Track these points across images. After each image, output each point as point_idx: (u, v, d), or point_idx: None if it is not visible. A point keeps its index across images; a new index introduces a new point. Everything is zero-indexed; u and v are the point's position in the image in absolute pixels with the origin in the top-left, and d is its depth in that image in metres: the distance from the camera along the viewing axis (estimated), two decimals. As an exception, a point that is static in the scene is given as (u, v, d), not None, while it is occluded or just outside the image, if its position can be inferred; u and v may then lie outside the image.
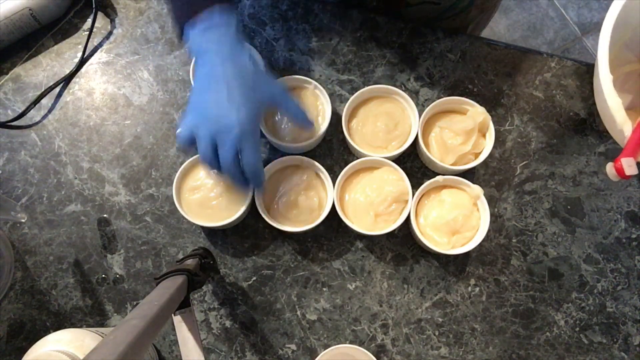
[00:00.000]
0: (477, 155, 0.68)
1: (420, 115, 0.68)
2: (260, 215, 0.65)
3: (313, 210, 0.66)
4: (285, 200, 0.66)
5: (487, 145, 0.68)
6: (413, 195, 0.66)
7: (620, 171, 0.54)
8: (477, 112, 0.68)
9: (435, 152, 0.68)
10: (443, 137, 0.68)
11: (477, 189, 0.65)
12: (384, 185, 0.66)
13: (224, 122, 0.55)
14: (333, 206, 0.66)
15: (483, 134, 0.69)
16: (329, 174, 0.71)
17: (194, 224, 0.69)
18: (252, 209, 0.68)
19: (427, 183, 0.66)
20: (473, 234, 0.66)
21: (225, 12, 0.56)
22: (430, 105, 0.68)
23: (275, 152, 0.72)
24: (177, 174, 0.66)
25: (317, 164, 0.67)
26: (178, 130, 0.58)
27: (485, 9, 0.85)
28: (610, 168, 0.55)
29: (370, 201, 0.66)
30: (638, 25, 0.66)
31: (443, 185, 0.68)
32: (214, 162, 0.57)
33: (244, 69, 0.57)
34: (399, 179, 0.67)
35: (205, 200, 0.66)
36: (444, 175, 0.68)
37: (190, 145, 0.58)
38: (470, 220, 0.66)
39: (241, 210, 0.66)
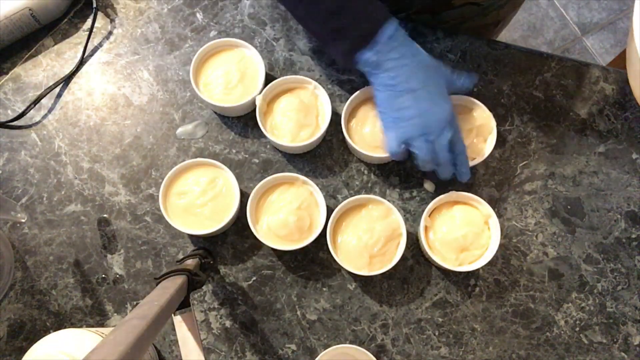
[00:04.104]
0: (472, 159, 0.68)
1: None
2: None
3: (303, 231, 0.66)
4: (276, 219, 0.65)
5: (488, 145, 0.68)
6: (406, 225, 0.66)
7: None
8: (481, 114, 0.68)
9: None
10: None
11: (488, 208, 0.66)
12: (374, 225, 0.65)
13: (437, 128, 0.59)
14: (324, 227, 0.65)
15: (484, 138, 0.69)
16: (329, 173, 0.71)
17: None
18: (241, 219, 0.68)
19: (438, 198, 0.66)
20: (482, 252, 0.65)
21: (392, 24, 0.58)
22: None
23: (276, 152, 0.72)
24: (166, 177, 0.66)
25: (311, 182, 0.67)
26: (388, 146, 0.62)
27: (517, 5, 0.87)
28: None
29: (364, 243, 0.64)
30: None
31: (455, 201, 0.67)
32: (434, 164, 0.62)
33: (430, 67, 0.60)
34: (386, 213, 0.66)
35: (191, 207, 0.66)
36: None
37: (403, 155, 0.62)
38: (480, 239, 0.65)
39: (224, 221, 0.65)
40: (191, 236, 0.70)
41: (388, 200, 0.66)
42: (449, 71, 0.63)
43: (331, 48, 0.61)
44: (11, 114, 0.73)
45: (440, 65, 0.63)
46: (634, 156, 0.72)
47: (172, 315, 0.53)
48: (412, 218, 0.70)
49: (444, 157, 0.61)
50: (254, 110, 0.69)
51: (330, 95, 0.71)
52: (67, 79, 0.75)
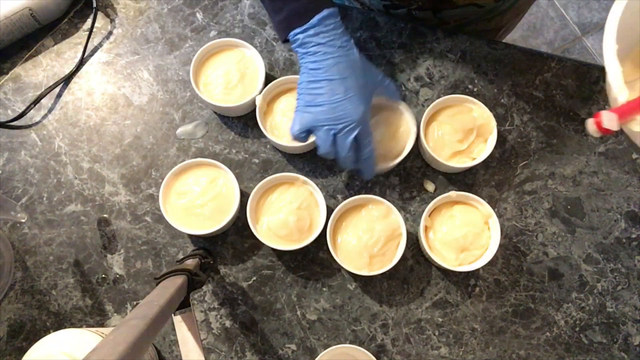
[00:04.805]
0: (472, 158, 0.68)
1: (420, 118, 0.68)
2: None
3: (303, 231, 0.66)
4: (276, 219, 0.65)
5: (488, 145, 0.68)
6: (406, 225, 0.66)
7: (598, 124, 0.52)
8: (481, 114, 0.68)
9: (431, 145, 0.68)
10: (442, 130, 0.68)
11: (488, 208, 0.65)
12: (374, 225, 0.65)
13: (345, 122, 0.58)
14: (324, 227, 0.66)
15: (484, 138, 0.69)
16: (329, 173, 0.71)
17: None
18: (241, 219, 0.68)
19: (438, 198, 0.66)
20: (482, 253, 0.65)
21: (334, 14, 0.59)
22: (437, 101, 0.68)
23: (276, 152, 0.72)
24: (166, 177, 0.66)
25: (310, 182, 0.67)
26: (291, 129, 0.61)
27: (520, 12, 0.86)
28: (590, 124, 0.53)
29: (364, 243, 0.64)
30: None
31: (455, 201, 0.67)
32: (333, 154, 0.61)
33: (357, 65, 0.60)
34: (386, 213, 0.66)
35: (191, 207, 0.66)
36: (445, 172, 0.67)
37: (304, 139, 0.62)
38: (480, 239, 0.65)
39: (224, 221, 0.65)
40: (191, 236, 0.70)
41: (388, 200, 0.66)
42: (380, 76, 0.64)
43: (271, 18, 0.62)
44: (11, 114, 0.73)
45: (371, 68, 0.63)
46: (634, 156, 0.72)
47: (172, 315, 0.53)
48: (412, 218, 0.70)
49: (343, 154, 0.60)
50: (254, 110, 0.69)
51: (330, 95, 0.70)
52: (67, 79, 0.75)
